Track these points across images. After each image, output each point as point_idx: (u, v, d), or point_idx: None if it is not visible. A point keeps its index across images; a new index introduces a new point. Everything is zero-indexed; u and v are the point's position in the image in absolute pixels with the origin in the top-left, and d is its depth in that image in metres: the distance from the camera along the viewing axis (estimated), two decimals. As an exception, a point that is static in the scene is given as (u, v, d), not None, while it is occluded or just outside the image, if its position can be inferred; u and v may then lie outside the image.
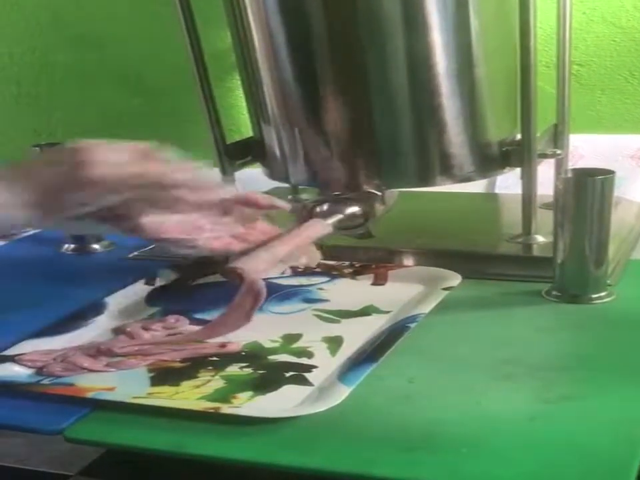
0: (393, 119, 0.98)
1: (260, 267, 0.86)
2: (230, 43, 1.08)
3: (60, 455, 1.25)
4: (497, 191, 1.32)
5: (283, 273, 1.00)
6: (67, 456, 1.24)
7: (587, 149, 1.30)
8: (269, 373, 0.77)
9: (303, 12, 0.96)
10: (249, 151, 1.12)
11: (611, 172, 0.87)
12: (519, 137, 1.00)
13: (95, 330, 0.89)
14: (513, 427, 0.66)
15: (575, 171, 0.90)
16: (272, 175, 1.10)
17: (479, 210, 1.24)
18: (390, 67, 0.96)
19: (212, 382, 0.76)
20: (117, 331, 0.88)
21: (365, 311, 0.90)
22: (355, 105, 0.99)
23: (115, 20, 1.59)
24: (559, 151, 1.04)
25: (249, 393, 0.73)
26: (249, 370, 0.78)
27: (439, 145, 0.99)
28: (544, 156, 1.02)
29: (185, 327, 0.89)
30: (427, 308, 0.87)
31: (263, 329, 0.86)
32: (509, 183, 1.26)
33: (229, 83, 1.41)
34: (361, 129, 0.99)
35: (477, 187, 1.24)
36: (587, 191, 0.86)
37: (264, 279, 0.86)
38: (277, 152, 1.06)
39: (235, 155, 1.11)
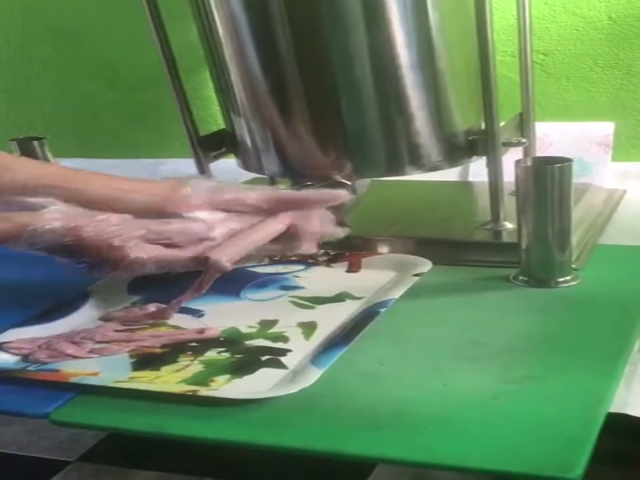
0: (359, 109, 1.00)
1: (228, 255, 0.89)
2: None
3: (59, 442, 1.28)
4: (470, 179, 1.35)
5: (260, 261, 1.03)
6: (66, 443, 1.27)
7: (556, 136, 1.33)
8: (245, 357, 0.80)
9: (266, 5, 0.98)
10: (222, 143, 1.14)
11: (569, 160, 0.89)
12: (484, 126, 1.03)
13: (79, 318, 0.92)
14: (477, 405, 0.69)
15: (534, 159, 0.93)
16: (246, 167, 1.12)
17: (451, 198, 1.26)
18: (353, 60, 0.98)
19: (191, 366, 0.79)
20: (104, 320, 0.91)
21: (339, 297, 0.93)
22: (321, 97, 1.01)
23: (89, 13, 1.59)
24: (523, 140, 1.07)
25: (227, 377, 0.76)
26: (227, 354, 0.81)
27: (405, 135, 1.02)
28: (509, 144, 1.05)
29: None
30: (397, 293, 0.90)
31: (240, 316, 0.89)
32: (481, 170, 1.28)
33: (204, 75, 1.43)
34: (328, 120, 1.02)
35: (450, 175, 1.27)
36: (546, 179, 0.88)
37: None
38: (249, 144, 1.08)
39: (208, 146, 1.14)
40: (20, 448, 1.25)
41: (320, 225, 0.94)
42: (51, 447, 1.24)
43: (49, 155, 1.22)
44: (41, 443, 1.25)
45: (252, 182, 1.28)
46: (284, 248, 0.95)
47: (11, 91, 1.70)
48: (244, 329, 0.86)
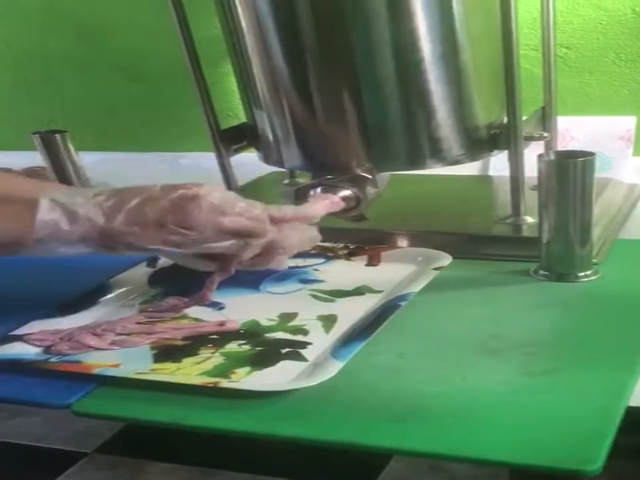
0: (381, 103, 1.01)
1: None
2: (223, 28, 1.10)
3: (76, 433, 1.30)
4: (490, 172, 1.34)
5: None
6: (83, 435, 1.29)
7: (578, 130, 1.33)
8: (266, 350, 0.81)
9: (290, 0, 0.98)
10: (243, 136, 1.14)
11: (592, 154, 0.89)
12: (506, 119, 1.03)
13: (100, 311, 0.92)
14: (496, 398, 0.70)
15: (557, 153, 0.93)
16: (267, 160, 1.12)
17: (471, 192, 1.26)
18: (376, 53, 0.98)
19: (212, 358, 0.79)
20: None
21: (359, 291, 0.93)
22: (344, 91, 1.01)
23: (111, 6, 1.60)
24: (545, 134, 1.07)
25: (247, 369, 0.77)
26: (247, 347, 0.82)
27: (427, 129, 1.02)
28: (531, 138, 1.05)
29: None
30: (417, 287, 0.91)
31: (260, 308, 0.90)
32: (502, 164, 1.28)
33: (225, 69, 1.43)
34: (350, 113, 1.02)
35: (471, 169, 1.27)
36: (569, 173, 0.88)
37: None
38: (270, 137, 1.08)
39: (229, 140, 1.14)
40: (37, 439, 1.27)
41: (298, 242, 0.92)
42: (67, 438, 1.26)
43: (71, 148, 1.22)
44: (58, 435, 1.27)
45: (271, 175, 1.28)
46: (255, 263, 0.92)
47: (33, 83, 1.71)
48: (264, 322, 0.87)
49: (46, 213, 0.82)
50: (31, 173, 1.31)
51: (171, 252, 0.85)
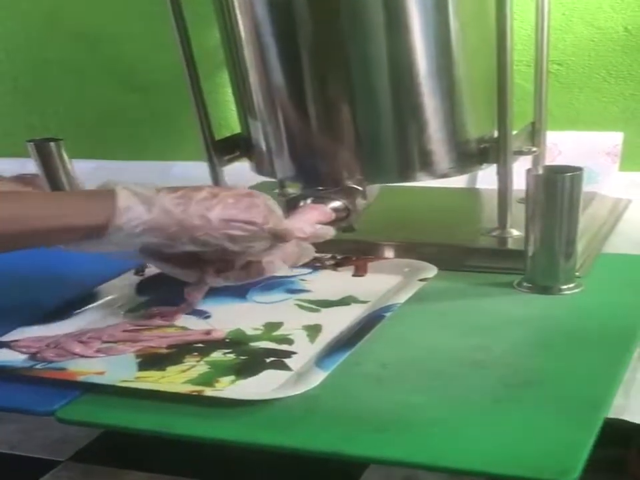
0: (374, 116, 1.01)
1: None
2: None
3: (50, 441, 1.29)
4: (478, 185, 1.35)
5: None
6: (57, 443, 1.28)
7: (565, 145, 1.33)
8: (250, 359, 0.81)
9: (289, 13, 0.99)
10: (236, 147, 1.15)
11: (579, 169, 0.90)
12: (496, 134, 1.03)
13: (86, 318, 0.93)
14: (478, 409, 0.70)
15: (545, 167, 0.94)
16: (259, 171, 1.13)
17: (459, 205, 1.27)
18: (372, 67, 0.99)
19: (197, 367, 0.80)
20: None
21: (345, 301, 0.94)
22: (338, 103, 1.02)
23: (110, 17, 1.61)
24: (534, 148, 1.08)
25: (231, 377, 0.77)
26: (232, 356, 0.82)
27: (418, 142, 1.02)
28: (520, 153, 1.05)
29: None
30: (402, 298, 0.91)
31: (246, 317, 0.91)
32: (490, 178, 1.29)
33: (220, 80, 1.44)
34: (344, 125, 1.02)
35: (459, 181, 1.27)
36: (556, 188, 0.89)
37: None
38: (263, 148, 1.09)
39: (223, 150, 1.14)
40: (11, 447, 1.26)
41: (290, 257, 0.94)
42: (41, 446, 1.25)
43: (65, 157, 1.23)
44: (32, 443, 1.26)
45: (261, 185, 1.29)
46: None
47: (29, 90, 1.71)
48: (249, 331, 0.87)
49: (124, 200, 0.83)
50: (22, 180, 1.31)
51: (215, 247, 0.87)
